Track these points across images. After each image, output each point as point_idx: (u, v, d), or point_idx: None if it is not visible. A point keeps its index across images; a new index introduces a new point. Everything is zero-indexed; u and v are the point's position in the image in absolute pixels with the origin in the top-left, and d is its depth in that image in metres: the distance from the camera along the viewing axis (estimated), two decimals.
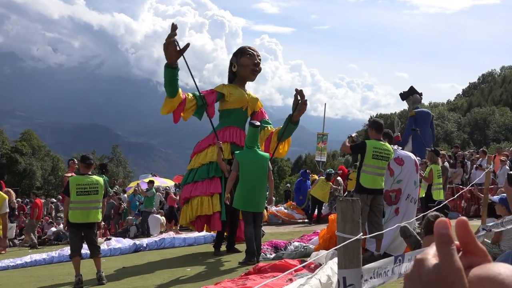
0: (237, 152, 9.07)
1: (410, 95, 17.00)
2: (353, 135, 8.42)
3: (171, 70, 9.65)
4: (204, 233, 12.84)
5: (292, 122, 10.78)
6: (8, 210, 9.81)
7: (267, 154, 9.23)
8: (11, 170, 55.48)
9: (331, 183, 16.71)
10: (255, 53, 11.32)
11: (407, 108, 21.34)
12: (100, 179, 8.13)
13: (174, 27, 9.45)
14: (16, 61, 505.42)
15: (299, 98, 10.60)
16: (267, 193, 9.56)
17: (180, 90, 10.03)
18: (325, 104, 33.16)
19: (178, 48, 9.53)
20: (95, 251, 8.09)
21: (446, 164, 13.31)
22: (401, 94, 16.06)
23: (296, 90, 10.62)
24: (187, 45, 9.69)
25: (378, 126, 7.84)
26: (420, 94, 18.51)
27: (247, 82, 11.58)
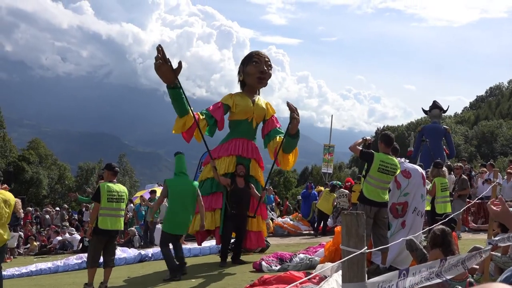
0: (168, 178, 9.41)
1: (431, 110, 16.94)
2: (368, 137, 8.40)
3: (172, 90, 9.49)
4: (209, 243, 12.84)
5: (289, 135, 10.52)
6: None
7: (195, 183, 9.62)
8: (18, 179, 55.71)
9: (335, 195, 16.72)
10: (262, 59, 11.04)
11: (414, 120, 21.36)
12: (125, 189, 8.26)
13: (159, 49, 9.19)
14: (25, 70, 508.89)
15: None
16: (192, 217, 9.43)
17: (191, 109, 9.80)
18: (332, 115, 33.11)
19: (171, 68, 9.27)
20: (110, 261, 8.11)
21: (465, 177, 13.31)
22: (424, 110, 16.05)
23: (287, 103, 10.42)
24: (180, 65, 9.43)
25: (388, 140, 7.82)
26: (441, 109, 18.51)
27: (255, 91, 11.35)
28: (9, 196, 8.12)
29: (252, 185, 10.51)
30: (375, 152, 7.68)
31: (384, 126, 73.44)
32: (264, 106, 11.23)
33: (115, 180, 8.29)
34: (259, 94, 11.43)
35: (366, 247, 2.22)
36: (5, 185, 9.26)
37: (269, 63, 11.20)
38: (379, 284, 2.40)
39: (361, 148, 7.96)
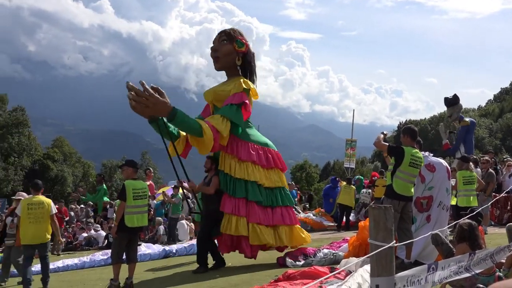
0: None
1: (456, 103, 16.68)
2: (385, 132, 8.35)
3: (175, 116, 8.53)
4: None
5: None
6: (55, 211, 9.66)
7: None
8: (43, 176, 56.47)
9: (354, 187, 16.75)
10: (216, 38, 9.92)
11: (437, 114, 20.99)
12: (146, 184, 8.35)
13: (142, 85, 8.28)
14: (48, 70, 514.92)
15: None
16: None
17: (201, 123, 8.81)
18: (354, 110, 33.01)
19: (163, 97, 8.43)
20: (134, 257, 8.20)
21: (492, 171, 13.13)
22: (446, 100, 15.79)
23: (126, 83, 8.58)
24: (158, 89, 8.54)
25: (413, 133, 7.76)
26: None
27: (228, 73, 10.01)
28: (44, 199, 9.23)
29: (183, 180, 9.56)
30: (404, 146, 7.60)
31: (406, 120, 72.72)
32: (223, 88, 9.67)
33: (136, 177, 8.37)
34: (235, 75, 9.81)
35: (394, 241, 2.21)
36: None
37: (223, 36, 9.76)
38: (408, 278, 2.38)
39: (388, 144, 7.90)
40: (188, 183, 9.62)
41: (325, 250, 9.49)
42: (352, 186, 16.91)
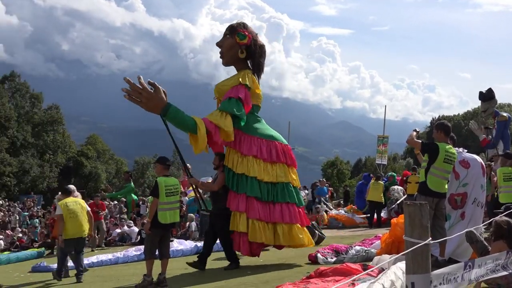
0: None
1: (492, 97, 16.31)
2: (417, 129, 8.24)
3: (168, 112, 8.55)
4: None
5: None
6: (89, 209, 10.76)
7: None
8: (77, 173, 57.59)
9: (382, 183, 16.63)
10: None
11: (471, 109, 20.55)
12: (178, 181, 8.41)
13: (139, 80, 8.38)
14: (81, 68, 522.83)
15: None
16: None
17: (197, 120, 8.74)
18: (385, 106, 32.70)
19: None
20: (167, 253, 8.28)
21: None
22: (481, 94, 15.44)
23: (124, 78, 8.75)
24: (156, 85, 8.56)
25: (447, 129, 7.64)
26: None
27: (236, 67, 9.89)
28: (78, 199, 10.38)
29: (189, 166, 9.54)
30: (438, 143, 7.50)
31: (439, 116, 71.59)
32: (225, 83, 9.67)
33: (168, 174, 8.43)
34: (244, 69, 9.69)
35: (430, 238, 2.18)
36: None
37: (226, 31, 9.76)
38: (444, 275, 2.35)
39: (421, 141, 7.81)
40: (190, 179, 9.68)
41: (357, 247, 9.43)
42: (381, 182, 16.79)
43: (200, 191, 10.21)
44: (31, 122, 57.07)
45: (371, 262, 7.36)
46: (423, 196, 7.32)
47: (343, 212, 18.52)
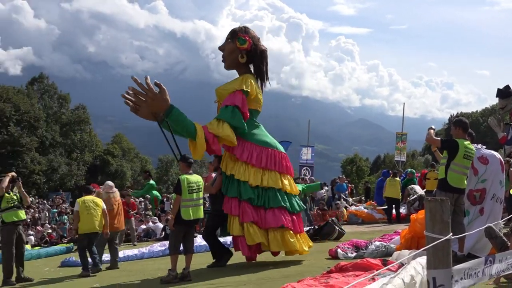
0: None
1: (510, 94, 16.02)
2: (433, 127, 8.16)
3: (169, 116, 8.56)
4: None
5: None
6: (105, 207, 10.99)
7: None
8: (104, 171, 58.23)
9: (399, 179, 16.46)
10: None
11: (489, 106, 20.22)
12: (200, 178, 8.39)
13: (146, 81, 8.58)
14: (107, 69, 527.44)
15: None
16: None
17: (197, 126, 8.75)
18: (404, 103, 32.44)
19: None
20: (191, 248, 8.31)
21: None
22: (500, 91, 15.18)
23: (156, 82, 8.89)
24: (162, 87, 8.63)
25: (466, 125, 7.57)
26: None
27: (237, 71, 9.78)
28: (96, 199, 10.85)
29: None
30: (457, 139, 7.41)
31: (457, 113, 70.75)
32: (225, 87, 9.49)
33: (191, 171, 8.42)
34: (245, 73, 9.55)
35: (451, 233, 2.15)
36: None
37: (228, 35, 9.69)
38: (465, 270, 2.32)
39: (440, 138, 7.74)
40: None
41: (377, 243, 9.38)
42: (397, 179, 16.65)
43: None
44: (59, 122, 57.79)
45: (390, 257, 7.30)
46: (443, 192, 7.24)
47: (362, 208, 18.43)
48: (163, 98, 8.44)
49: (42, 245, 21.39)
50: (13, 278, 10.05)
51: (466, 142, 7.37)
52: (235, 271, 8.54)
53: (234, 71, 9.73)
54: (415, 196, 16.43)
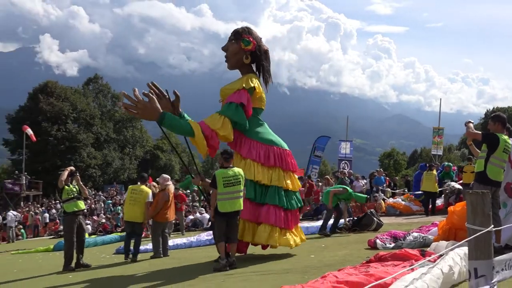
0: None
1: None
2: (471, 120, 7.96)
3: (164, 122, 8.38)
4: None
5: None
6: (151, 200, 11.20)
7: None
8: (154, 165, 59.26)
9: (435, 173, 16.09)
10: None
11: None
12: (241, 171, 8.26)
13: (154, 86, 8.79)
14: (155, 69, 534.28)
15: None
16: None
17: (192, 124, 8.61)
18: (440, 99, 31.80)
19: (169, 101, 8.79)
20: (234, 238, 8.31)
21: None
22: None
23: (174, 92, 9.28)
24: (176, 94, 8.99)
25: (504, 120, 7.39)
26: None
27: (241, 71, 9.57)
28: (144, 188, 11.22)
29: (202, 176, 9.39)
30: (497, 133, 7.23)
31: (493, 108, 68.76)
32: (230, 86, 9.32)
33: (231, 165, 8.33)
34: (248, 73, 9.36)
35: (492, 225, 2.10)
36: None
37: (231, 36, 9.45)
38: (506, 261, 2.26)
39: (481, 132, 7.56)
40: (194, 179, 9.68)
41: (415, 234, 9.22)
42: (434, 172, 16.29)
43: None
44: (112, 120, 59.12)
45: (428, 248, 7.17)
46: (482, 185, 7.07)
47: (400, 200, 18.17)
48: (152, 107, 8.23)
49: (98, 233, 21.93)
50: (73, 264, 10.35)
51: (505, 137, 7.21)
52: (279, 260, 8.55)
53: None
54: (452, 189, 16.09)
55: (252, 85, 8.88)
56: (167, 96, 9.11)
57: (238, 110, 8.72)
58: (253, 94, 8.96)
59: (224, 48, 9.46)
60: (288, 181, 9.01)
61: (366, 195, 16.02)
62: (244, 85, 8.87)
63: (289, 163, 9.14)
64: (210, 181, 8.65)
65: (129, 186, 11.69)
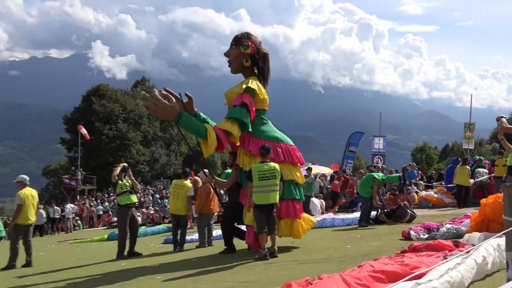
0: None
1: None
2: (503, 115, 7.75)
3: (181, 121, 8.45)
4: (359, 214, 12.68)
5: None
6: (193, 194, 11.46)
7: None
8: (197, 161, 59.72)
9: (468, 167, 15.68)
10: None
11: None
12: (276, 165, 8.27)
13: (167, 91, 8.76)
14: (198, 72, 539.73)
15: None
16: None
17: (208, 127, 8.65)
18: (471, 95, 31.04)
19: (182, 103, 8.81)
20: (273, 228, 8.32)
21: None
22: None
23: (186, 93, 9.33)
24: (188, 96, 9.06)
25: None
26: None
27: (243, 74, 9.52)
28: (186, 183, 11.49)
29: (207, 171, 9.59)
30: None
31: None
32: (233, 90, 9.24)
33: (267, 160, 8.32)
34: (249, 76, 9.31)
35: None
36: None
37: (232, 42, 9.43)
38: None
39: None
40: (206, 178, 9.85)
41: (448, 225, 9.02)
42: (467, 166, 15.87)
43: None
44: (159, 119, 59.95)
45: (461, 239, 7.01)
46: None
47: (433, 193, 17.83)
48: (171, 106, 8.33)
49: (147, 224, 22.34)
50: (125, 253, 10.60)
51: None
52: (317, 248, 8.54)
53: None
54: (480, 179, 15.79)
55: (252, 87, 8.83)
56: (181, 99, 9.16)
57: (242, 110, 8.72)
58: (255, 96, 8.94)
59: (226, 54, 9.48)
60: (298, 174, 9.06)
61: (398, 175, 15.87)
62: (244, 88, 8.86)
63: (297, 156, 9.14)
64: (221, 179, 9.29)
65: (173, 181, 11.94)
